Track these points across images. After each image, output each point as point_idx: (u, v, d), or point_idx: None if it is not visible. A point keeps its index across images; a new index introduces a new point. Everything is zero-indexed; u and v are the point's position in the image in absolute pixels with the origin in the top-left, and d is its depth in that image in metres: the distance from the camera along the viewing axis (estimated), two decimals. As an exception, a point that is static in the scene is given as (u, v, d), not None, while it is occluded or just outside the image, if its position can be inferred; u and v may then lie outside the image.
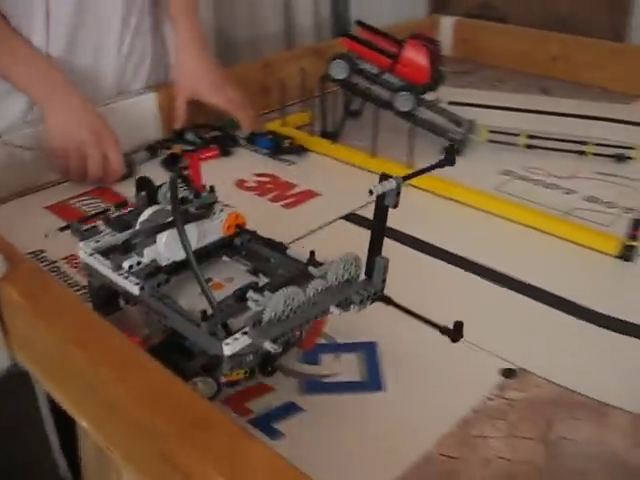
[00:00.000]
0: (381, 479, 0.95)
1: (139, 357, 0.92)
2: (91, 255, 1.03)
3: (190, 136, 2.00)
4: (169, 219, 0.97)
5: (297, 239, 1.52)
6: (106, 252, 1.03)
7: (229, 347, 0.85)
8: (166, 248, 0.98)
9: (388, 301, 1.06)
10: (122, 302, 1.07)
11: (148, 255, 0.99)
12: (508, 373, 1.15)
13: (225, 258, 1.06)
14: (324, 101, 2.10)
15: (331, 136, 2.09)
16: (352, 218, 1.66)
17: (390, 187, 0.92)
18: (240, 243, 1.08)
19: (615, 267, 1.49)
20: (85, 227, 1.08)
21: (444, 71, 2.05)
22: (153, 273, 0.96)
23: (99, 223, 1.08)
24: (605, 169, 1.95)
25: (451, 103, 2.35)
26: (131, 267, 0.98)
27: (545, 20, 3.33)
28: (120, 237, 1.03)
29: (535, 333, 1.26)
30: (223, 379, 0.94)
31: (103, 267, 1.00)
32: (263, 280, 0.99)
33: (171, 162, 1.90)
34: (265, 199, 1.73)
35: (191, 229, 0.98)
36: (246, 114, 2.04)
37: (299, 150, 1.84)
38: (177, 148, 1.95)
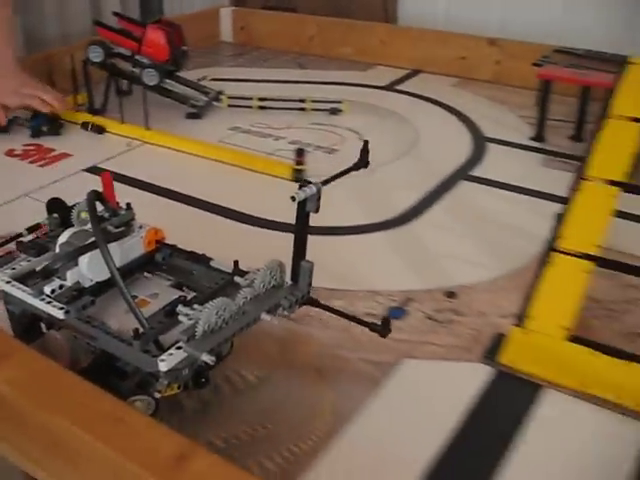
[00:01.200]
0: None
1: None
2: (8, 283, 0.98)
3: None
4: (90, 240, 0.94)
5: (41, 187, 1.87)
6: (24, 278, 0.99)
7: (165, 363, 0.83)
8: (89, 269, 0.94)
9: (315, 303, 1.10)
10: (44, 328, 1.01)
11: (71, 278, 0.95)
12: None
13: (147, 274, 1.04)
14: (89, 82, 2.44)
15: (96, 111, 2.43)
16: (92, 170, 2.02)
17: (311, 193, 0.96)
18: (162, 258, 1.07)
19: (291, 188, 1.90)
20: None
21: (186, 50, 2.42)
22: (77, 296, 0.94)
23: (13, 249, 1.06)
24: (319, 120, 2.37)
25: (215, 79, 2.75)
26: (53, 291, 0.95)
27: (329, 7, 3.75)
28: (37, 262, 1.01)
29: (230, 243, 1.56)
30: (158, 395, 0.91)
31: (23, 294, 0.96)
32: (189, 294, 0.99)
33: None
34: (26, 162, 2.07)
35: (113, 248, 0.95)
36: (53, 96, 2.26)
37: (57, 128, 2.15)
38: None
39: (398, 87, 2.72)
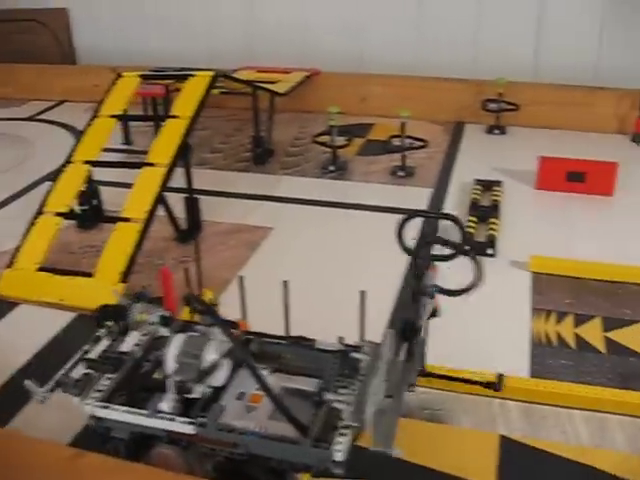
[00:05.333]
0: None
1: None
2: (106, 408, 0.96)
3: None
4: (224, 350, 1.01)
5: None
6: (109, 398, 0.99)
7: (340, 453, 0.90)
8: (219, 380, 1.01)
9: (430, 374, 1.42)
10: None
11: (200, 390, 0.98)
12: None
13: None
14: None
15: None
16: None
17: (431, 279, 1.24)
18: (258, 348, 1.12)
19: None
20: (75, 378, 1.03)
21: None
22: (206, 406, 0.96)
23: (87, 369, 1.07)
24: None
25: None
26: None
27: (15, 55, 4.20)
28: (117, 377, 1.03)
29: None
30: None
31: (135, 417, 0.95)
32: (289, 379, 1.10)
33: None
34: None
35: (224, 362, 1.01)
36: None
37: None
38: None
39: (40, 117, 3.33)
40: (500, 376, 1.46)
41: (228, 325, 1.03)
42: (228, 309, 1.55)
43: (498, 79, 3.10)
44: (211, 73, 2.22)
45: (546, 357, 1.65)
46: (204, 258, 2.04)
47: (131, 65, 3.48)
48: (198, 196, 2.20)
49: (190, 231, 2.15)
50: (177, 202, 2.14)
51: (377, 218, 2.26)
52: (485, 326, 1.73)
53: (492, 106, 3.13)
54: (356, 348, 1.14)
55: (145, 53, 4.05)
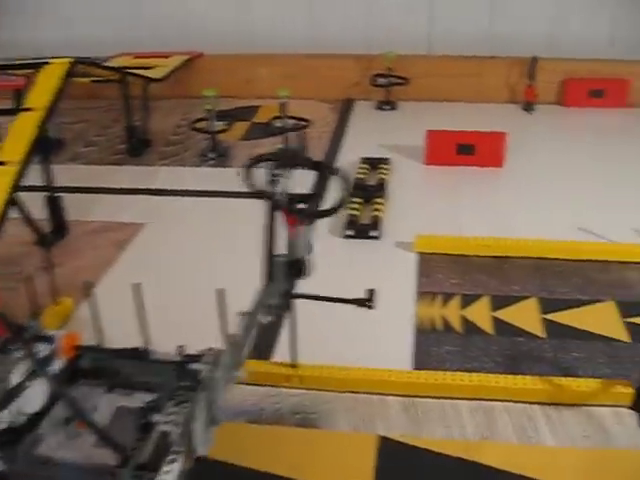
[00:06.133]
0: None
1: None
2: None
3: None
4: (24, 372, 0.84)
5: None
6: None
7: None
8: (32, 405, 0.85)
9: (295, 296, 1.27)
10: None
11: (5, 418, 0.82)
12: None
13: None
14: None
15: None
16: None
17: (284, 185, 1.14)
18: (90, 364, 0.97)
19: None
20: None
21: None
22: (15, 438, 0.81)
23: None
24: None
25: None
26: None
27: None
28: None
29: None
30: None
31: None
32: (135, 396, 0.93)
33: None
34: None
35: (40, 385, 0.84)
36: None
37: None
38: None
39: None
40: (371, 291, 1.35)
41: (30, 342, 0.85)
42: (87, 318, 1.42)
43: (387, 53, 3.00)
44: (68, 60, 2.03)
45: (431, 344, 1.55)
46: (70, 261, 1.89)
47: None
48: (62, 194, 2.02)
49: (54, 233, 1.97)
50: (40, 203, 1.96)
51: (258, 206, 2.13)
52: (365, 315, 1.61)
53: (381, 81, 3.03)
54: (196, 358, 0.98)
55: (29, 45, 3.80)
